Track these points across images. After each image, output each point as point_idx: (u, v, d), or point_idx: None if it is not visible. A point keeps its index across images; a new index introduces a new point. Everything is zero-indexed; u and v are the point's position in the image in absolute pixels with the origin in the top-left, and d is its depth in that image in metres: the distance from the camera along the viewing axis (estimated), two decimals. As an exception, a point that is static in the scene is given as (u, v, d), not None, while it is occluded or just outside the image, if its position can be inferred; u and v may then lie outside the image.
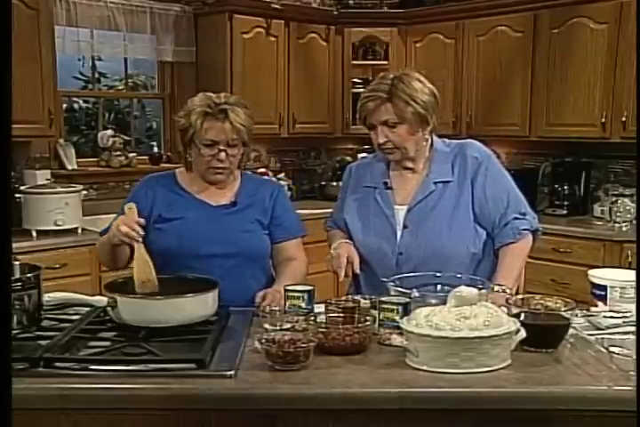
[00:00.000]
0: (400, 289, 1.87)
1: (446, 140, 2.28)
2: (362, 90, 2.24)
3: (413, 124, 2.13)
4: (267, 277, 2.26)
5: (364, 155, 2.43)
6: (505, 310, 1.72)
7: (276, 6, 4.67)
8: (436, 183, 2.19)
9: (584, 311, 1.96)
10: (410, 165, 2.23)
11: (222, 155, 2.13)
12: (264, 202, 2.27)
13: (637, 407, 1.37)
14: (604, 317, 1.92)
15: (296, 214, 2.37)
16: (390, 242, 2.18)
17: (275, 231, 2.27)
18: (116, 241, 2.00)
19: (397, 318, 1.72)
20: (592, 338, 1.76)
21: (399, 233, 2.18)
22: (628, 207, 4.10)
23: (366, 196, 2.27)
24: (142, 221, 1.96)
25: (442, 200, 2.18)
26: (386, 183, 2.25)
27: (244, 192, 2.27)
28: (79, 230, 3.82)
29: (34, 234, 3.70)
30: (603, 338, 1.74)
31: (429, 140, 2.22)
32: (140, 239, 1.94)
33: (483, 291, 1.77)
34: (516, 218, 2.16)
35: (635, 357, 1.53)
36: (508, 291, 1.99)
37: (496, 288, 2.01)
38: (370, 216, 2.23)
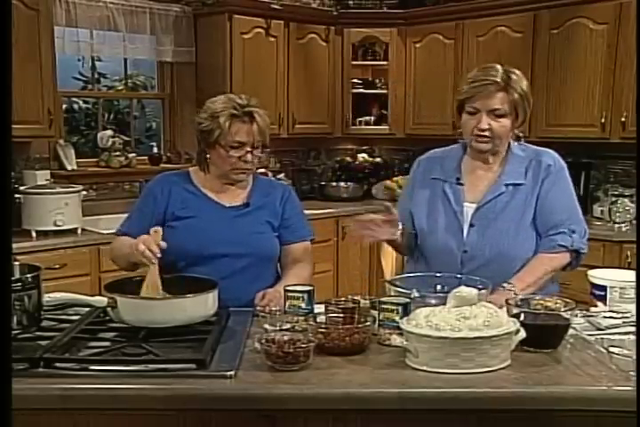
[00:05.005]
0: (400, 289, 1.87)
1: (522, 145, 2.25)
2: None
3: (518, 118, 2.12)
4: (275, 279, 2.27)
5: (435, 150, 2.38)
6: (505, 310, 1.72)
7: (276, 7, 4.67)
8: (507, 185, 2.18)
9: (584, 312, 1.96)
10: (491, 159, 2.21)
11: (249, 156, 2.17)
12: (275, 204, 2.29)
13: (637, 407, 1.37)
14: (604, 317, 1.93)
15: (305, 218, 2.38)
16: (457, 238, 2.17)
17: (283, 233, 2.28)
18: (133, 259, 2.00)
19: (397, 318, 1.71)
20: (592, 338, 1.76)
21: (465, 231, 2.17)
22: (627, 208, 4.11)
23: (435, 188, 2.25)
24: (163, 244, 1.91)
25: (512, 202, 2.16)
26: (458, 178, 2.23)
27: (256, 193, 2.29)
28: (79, 231, 3.81)
29: (33, 234, 3.69)
30: (602, 338, 1.74)
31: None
32: (156, 262, 1.90)
33: (482, 291, 1.77)
34: (562, 233, 2.14)
35: (634, 357, 1.53)
36: (513, 290, 1.99)
37: (505, 285, 2.02)
38: (438, 211, 2.21)
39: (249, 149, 2.16)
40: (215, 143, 2.15)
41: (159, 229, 1.97)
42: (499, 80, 2.08)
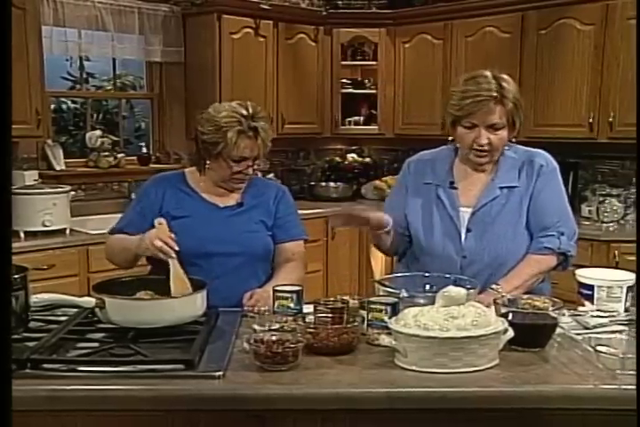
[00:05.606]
0: (389, 289, 1.87)
1: (513, 146, 2.23)
2: (458, 89, 2.10)
3: (514, 129, 2.11)
4: (268, 278, 2.27)
5: (424, 152, 2.35)
6: (493, 309, 1.73)
7: (265, 7, 4.66)
8: (501, 188, 2.16)
9: (571, 311, 1.97)
10: (487, 168, 2.19)
11: (250, 169, 2.20)
12: (269, 203, 2.30)
13: (637, 407, 1.37)
14: (591, 316, 1.94)
15: (299, 218, 2.39)
16: (455, 244, 2.16)
17: (276, 232, 2.29)
18: (146, 253, 2.02)
19: (386, 318, 1.72)
20: (579, 337, 1.77)
21: (463, 236, 2.16)
22: (615, 207, 4.13)
23: (429, 194, 2.22)
24: (173, 236, 1.95)
25: (507, 206, 2.15)
26: (452, 182, 2.21)
27: (250, 193, 2.30)
28: (67, 231, 3.80)
29: (21, 235, 3.66)
30: (590, 337, 1.75)
31: None
32: (175, 255, 1.93)
33: (471, 291, 1.78)
34: (551, 235, 2.13)
35: (621, 355, 1.54)
36: (500, 292, 2.00)
37: (493, 286, 2.02)
38: (433, 216, 2.19)
39: (250, 163, 2.19)
40: (218, 155, 2.16)
41: (162, 220, 2.00)
42: (494, 94, 2.04)
